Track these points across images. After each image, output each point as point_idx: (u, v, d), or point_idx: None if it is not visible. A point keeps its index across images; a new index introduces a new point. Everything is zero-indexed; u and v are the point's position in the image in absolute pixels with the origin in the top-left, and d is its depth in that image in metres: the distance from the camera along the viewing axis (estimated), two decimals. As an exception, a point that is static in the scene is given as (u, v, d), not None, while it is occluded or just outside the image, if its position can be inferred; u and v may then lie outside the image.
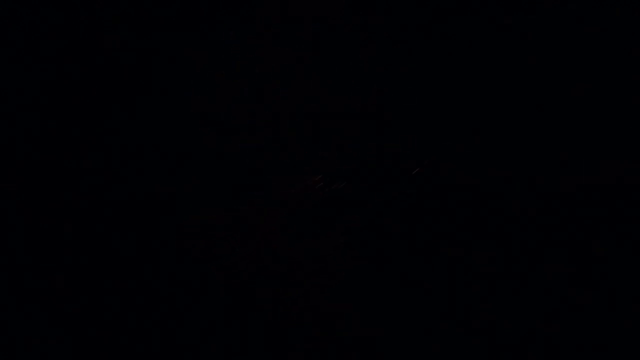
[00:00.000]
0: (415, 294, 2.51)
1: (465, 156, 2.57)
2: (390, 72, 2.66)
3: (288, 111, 2.67)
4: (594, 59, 2.57)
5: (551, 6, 2.59)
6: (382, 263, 2.53)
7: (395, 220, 2.55)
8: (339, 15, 2.69)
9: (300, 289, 2.55)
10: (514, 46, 2.62)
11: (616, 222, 2.44)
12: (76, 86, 2.67)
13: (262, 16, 2.72)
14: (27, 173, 2.60)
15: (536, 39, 2.60)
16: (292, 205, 2.62)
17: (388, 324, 2.50)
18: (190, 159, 2.67)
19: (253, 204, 2.63)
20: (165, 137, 2.68)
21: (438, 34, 2.66)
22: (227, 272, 2.59)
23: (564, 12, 2.59)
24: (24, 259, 2.55)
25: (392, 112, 2.64)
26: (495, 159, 2.56)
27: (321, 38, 2.69)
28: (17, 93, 2.66)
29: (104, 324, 2.54)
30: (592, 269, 2.45)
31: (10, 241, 2.54)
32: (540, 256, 2.46)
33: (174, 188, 2.64)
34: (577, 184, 2.49)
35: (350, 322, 2.52)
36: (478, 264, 2.48)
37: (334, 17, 2.69)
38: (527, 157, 2.55)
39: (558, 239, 2.47)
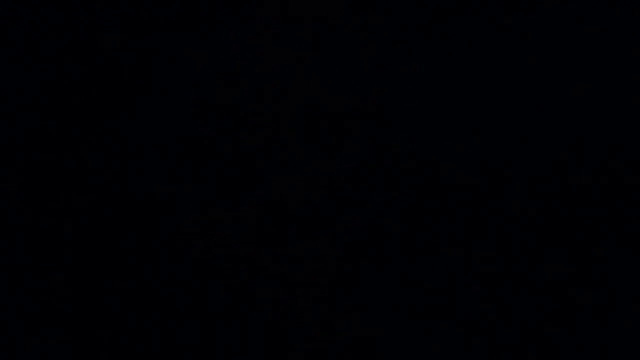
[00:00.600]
0: (415, 294, 2.51)
1: (465, 156, 2.57)
2: (390, 72, 2.66)
3: (288, 111, 2.67)
4: (594, 59, 2.57)
5: (551, 6, 2.59)
6: (382, 263, 2.53)
7: (395, 220, 2.55)
8: (339, 15, 2.68)
9: (300, 289, 2.55)
10: (514, 46, 2.62)
11: (616, 222, 2.44)
12: (76, 86, 2.67)
13: (262, 16, 2.72)
14: (27, 173, 2.60)
15: (536, 39, 2.60)
16: (292, 205, 2.62)
17: (388, 324, 2.50)
18: (190, 159, 2.67)
19: (253, 204, 2.63)
20: (166, 137, 2.68)
21: (438, 34, 2.66)
22: (227, 272, 2.59)
23: (564, 12, 2.59)
24: (24, 259, 2.55)
25: (392, 112, 2.64)
26: (495, 159, 2.56)
27: (321, 38, 2.69)
28: (17, 93, 2.66)
29: (104, 324, 2.54)
30: (592, 269, 2.44)
31: (10, 241, 2.54)
32: (540, 256, 2.46)
33: (174, 188, 2.64)
34: (577, 184, 2.49)
35: (350, 322, 2.52)
36: (478, 264, 2.48)
37: (334, 17, 2.69)
38: (527, 157, 2.55)
39: (558, 239, 2.47)
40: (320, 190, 2.60)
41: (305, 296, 2.53)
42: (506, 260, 2.48)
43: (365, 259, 2.54)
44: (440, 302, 2.48)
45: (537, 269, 2.45)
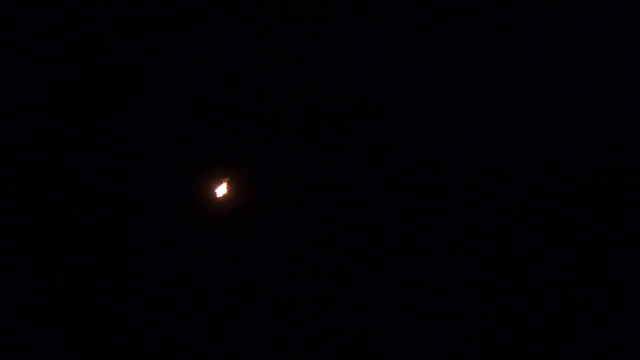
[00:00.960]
0: (415, 294, 2.51)
1: (465, 156, 2.57)
2: (390, 72, 2.66)
3: (288, 111, 2.67)
4: (594, 59, 2.57)
5: (551, 6, 2.59)
6: (382, 263, 2.53)
7: (395, 220, 2.55)
8: (339, 15, 2.69)
9: (300, 289, 2.56)
10: (514, 46, 2.62)
11: (616, 222, 2.44)
12: (76, 86, 2.67)
13: (262, 16, 2.72)
14: (27, 173, 2.60)
15: (536, 39, 2.60)
16: (292, 205, 2.62)
17: (388, 324, 2.50)
18: (190, 158, 2.67)
19: (253, 204, 2.63)
20: (166, 137, 2.67)
21: (438, 34, 2.66)
22: (227, 272, 2.59)
23: (564, 12, 2.59)
24: (24, 259, 2.55)
25: (392, 112, 2.64)
26: (495, 159, 2.56)
27: (321, 38, 2.69)
28: (17, 93, 2.66)
29: (104, 324, 2.54)
30: (592, 269, 2.44)
31: (10, 241, 2.54)
32: (540, 256, 2.46)
33: (174, 188, 2.64)
34: (577, 184, 2.49)
35: (350, 322, 2.52)
36: (478, 264, 2.48)
37: (334, 17, 2.69)
38: (527, 157, 2.54)
39: (558, 239, 2.47)
40: (320, 190, 2.60)
41: (305, 296, 2.53)
42: (506, 260, 2.48)
43: (365, 259, 2.54)
44: (440, 302, 2.48)
45: (537, 269, 2.45)
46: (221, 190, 2.64)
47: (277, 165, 2.64)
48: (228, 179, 2.65)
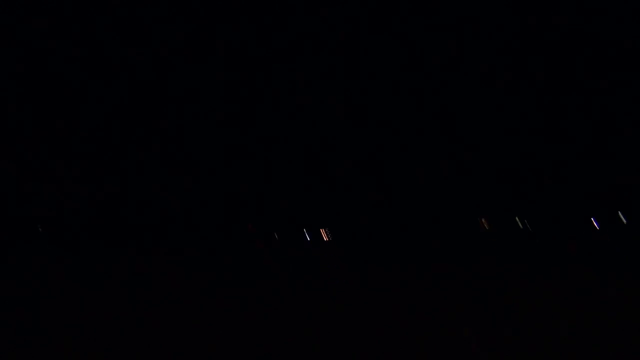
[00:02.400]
0: (415, 295, 2.52)
1: (465, 156, 2.58)
2: (390, 72, 2.66)
3: (288, 111, 2.67)
4: (594, 59, 2.57)
5: (551, 6, 2.59)
6: (380, 263, 2.54)
7: (394, 220, 2.56)
8: (339, 15, 2.69)
9: (301, 289, 2.56)
10: (514, 46, 2.62)
11: (616, 222, 2.44)
12: (76, 86, 2.67)
13: (262, 16, 2.72)
14: (27, 173, 2.61)
15: (536, 40, 2.61)
16: (291, 205, 2.62)
17: (387, 324, 2.50)
18: (190, 158, 2.67)
19: (253, 205, 2.64)
20: (166, 138, 2.68)
21: (438, 33, 2.66)
22: (228, 271, 2.59)
23: (564, 12, 2.59)
24: (23, 258, 2.55)
25: (392, 113, 2.65)
26: (496, 159, 2.56)
27: (321, 38, 2.69)
28: (17, 93, 2.66)
29: (104, 322, 2.54)
30: (592, 269, 2.45)
31: (10, 241, 2.55)
32: (540, 257, 2.47)
33: (175, 188, 2.65)
34: (577, 184, 2.49)
35: (350, 322, 2.52)
36: (478, 267, 2.49)
37: (334, 17, 2.69)
38: (527, 157, 2.55)
39: (555, 237, 2.47)
40: (320, 191, 2.61)
41: (305, 296, 2.53)
42: (507, 260, 2.48)
43: (363, 259, 2.54)
44: (439, 302, 2.48)
45: (537, 269, 2.46)
46: (221, 190, 2.65)
47: (279, 165, 2.64)
48: (228, 179, 2.65)
